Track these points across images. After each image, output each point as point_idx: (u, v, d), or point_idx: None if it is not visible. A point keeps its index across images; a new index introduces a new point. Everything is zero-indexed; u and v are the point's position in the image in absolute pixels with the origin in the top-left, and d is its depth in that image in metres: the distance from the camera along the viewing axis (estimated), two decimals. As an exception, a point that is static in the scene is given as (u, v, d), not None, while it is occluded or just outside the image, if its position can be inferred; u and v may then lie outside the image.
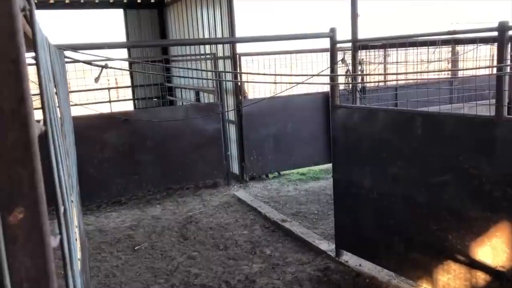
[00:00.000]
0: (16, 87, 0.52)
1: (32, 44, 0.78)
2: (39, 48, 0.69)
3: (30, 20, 0.69)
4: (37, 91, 0.77)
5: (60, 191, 0.76)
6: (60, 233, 0.69)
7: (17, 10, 0.51)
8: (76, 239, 1.56)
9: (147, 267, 5.05)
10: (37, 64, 0.67)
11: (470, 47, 5.39)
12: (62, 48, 3.57)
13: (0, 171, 0.51)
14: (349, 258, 4.81)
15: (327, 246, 5.18)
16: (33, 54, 0.77)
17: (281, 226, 5.88)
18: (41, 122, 0.68)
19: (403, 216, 4.06)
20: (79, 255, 1.78)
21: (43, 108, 0.69)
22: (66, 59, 4.22)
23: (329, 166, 7.60)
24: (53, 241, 0.60)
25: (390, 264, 4.31)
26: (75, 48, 3.88)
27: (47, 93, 0.74)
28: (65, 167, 1.09)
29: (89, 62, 3.70)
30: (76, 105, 6.89)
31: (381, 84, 8.46)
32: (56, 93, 1.58)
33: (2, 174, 0.51)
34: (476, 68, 4.46)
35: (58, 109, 1.43)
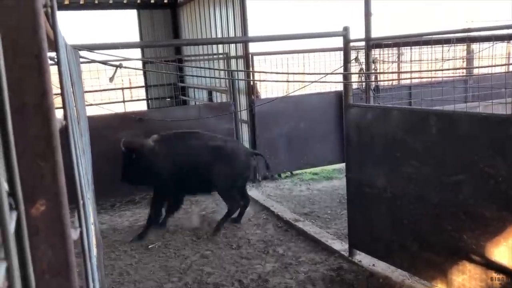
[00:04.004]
0: (39, 82, 0.53)
1: (51, 43, 0.79)
2: (60, 44, 0.70)
3: (51, 16, 0.70)
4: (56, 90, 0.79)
5: (80, 185, 0.78)
6: (80, 226, 0.70)
7: (39, 6, 0.52)
8: (92, 236, 1.58)
9: (160, 266, 5.08)
10: (58, 59, 0.68)
11: (485, 45, 5.32)
12: (77, 48, 3.61)
13: (23, 165, 0.52)
14: (363, 258, 4.78)
15: (340, 245, 5.16)
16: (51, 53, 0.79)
17: (293, 225, 5.87)
18: (61, 118, 0.69)
19: (417, 216, 4.02)
20: (95, 252, 1.80)
21: (63, 103, 0.70)
22: (81, 59, 4.28)
23: (342, 165, 7.56)
24: (74, 234, 0.61)
25: (404, 264, 4.28)
26: (90, 48, 3.92)
27: (66, 89, 0.75)
28: (83, 163, 1.11)
29: (104, 62, 3.74)
30: (91, 105, 6.96)
31: (395, 83, 8.40)
32: (72, 92, 1.60)
33: (25, 167, 0.53)
34: (491, 66, 4.40)
35: (75, 107, 1.46)
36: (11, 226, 0.44)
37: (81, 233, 0.68)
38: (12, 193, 0.48)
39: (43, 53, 0.53)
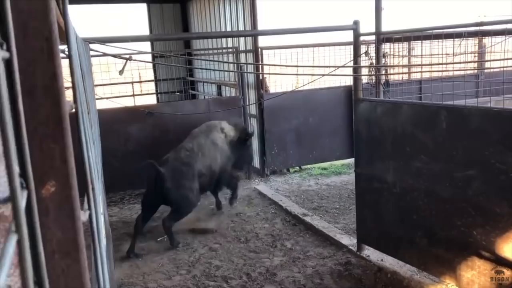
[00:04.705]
0: (49, 64, 0.54)
1: (61, 32, 0.80)
2: (70, 30, 0.71)
3: (62, 4, 0.71)
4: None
5: (89, 169, 0.79)
6: (89, 208, 0.71)
7: (50, -11, 0.53)
8: (101, 221, 1.60)
9: (169, 258, 5.12)
10: (68, 46, 0.69)
11: (497, 39, 5.26)
12: (87, 41, 3.64)
13: (33, 146, 0.53)
14: (371, 253, 4.78)
15: (348, 240, 5.15)
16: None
17: (302, 220, 5.88)
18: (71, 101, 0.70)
19: (427, 211, 4.00)
20: (104, 241, 1.81)
21: (73, 87, 0.71)
22: (91, 52, 4.30)
23: (351, 160, 7.54)
24: (83, 216, 0.62)
25: (413, 259, 4.26)
26: (100, 41, 3.94)
27: (76, 74, 0.76)
28: (93, 152, 1.12)
29: (113, 55, 3.76)
30: (101, 98, 7.00)
31: (405, 77, 8.34)
32: (82, 83, 1.61)
33: (35, 148, 0.53)
34: (503, 60, 4.34)
35: (85, 96, 1.47)
36: (22, 203, 0.44)
37: (90, 215, 0.69)
38: (22, 173, 0.49)
39: (54, 36, 0.54)
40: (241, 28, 8.15)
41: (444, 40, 4.88)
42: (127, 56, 3.93)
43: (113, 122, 6.67)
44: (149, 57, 10.78)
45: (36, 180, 0.55)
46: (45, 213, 0.56)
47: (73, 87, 0.70)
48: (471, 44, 8.06)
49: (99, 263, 0.73)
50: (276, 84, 8.47)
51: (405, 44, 6.91)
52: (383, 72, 5.04)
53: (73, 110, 0.72)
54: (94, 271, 0.72)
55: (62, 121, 0.55)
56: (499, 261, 3.45)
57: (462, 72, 6.86)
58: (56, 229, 0.57)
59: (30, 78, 0.53)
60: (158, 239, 5.63)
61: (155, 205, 5.63)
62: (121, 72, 4.03)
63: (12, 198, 0.42)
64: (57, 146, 0.55)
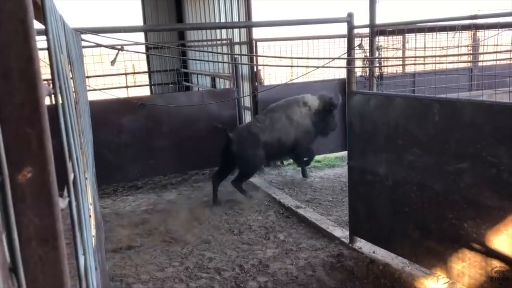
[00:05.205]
0: (24, 47, 0.53)
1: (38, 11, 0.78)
2: (47, 11, 0.69)
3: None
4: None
5: (70, 157, 0.77)
6: (69, 196, 0.70)
7: (24, -31, 0.52)
8: (90, 216, 1.59)
9: (162, 250, 5.12)
10: (46, 26, 0.67)
11: (491, 33, 5.26)
12: (79, 31, 3.60)
13: (9, 130, 0.52)
14: (363, 245, 4.80)
15: (341, 232, 5.18)
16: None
17: (295, 212, 5.89)
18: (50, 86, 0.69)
19: (419, 204, 4.02)
20: (93, 232, 1.80)
21: (52, 73, 0.69)
22: (83, 43, 4.26)
23: (344, 153, 7.55)
24: (62, 203, 0.61)
25: (404, 251, 4.29)
26: (92, 31, 3.90)
27: (55, 56, 0.74)
28: (77, 141, 1.11)
29: (105, 46, 3.73)
30: (94, 90, 6.95)
31: (398, 70, 8.34)
32: (71, 71, 1.59)
33: (11, 133, 0.52)
34: (495, 52, 4.35)
35: (72, 83, 1.45)
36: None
37: (69, 202, 0.68)
38: (-4, 158, 0.47)
39: (29, 18, 0.53)
40: (236, 19, 8.11)
41: (438, 33, 4.87)
42: (119, 47, 3.89)
43: (106, 113, 6.63)
44: (142, 48, 10.71)
45: (12, 165, 0.54)
46: (21, 199, 0.55)
47: (51, 70, 0.69)
48: (465, 37, 8.07)
49: (79, 252, 0.72)
50: (271, 77, 8.45)
51: (399, 37, 6.90)
52: (377, 65, 5.02)
53: (51, 92, 0.70)
54: (75, 260, 0.72)
55: (38, 105, 0.54)
56: (489, 253, 3.48)
57: (455, 66, 6.87)
58: (33, 216, 0.56)
59: (5, 61, 0.52)
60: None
61: (226, 166, 6.55)
62: (113, 62, 4.00)
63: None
64: (33, 131, 0.54)
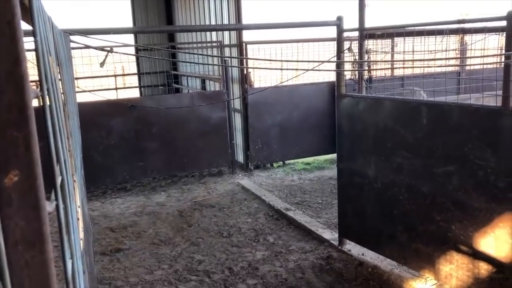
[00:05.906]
0: (11, 48, 0.52)
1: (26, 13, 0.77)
2: (35, 12, 0.69)
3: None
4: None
5: (58, 160, 0.77)
6: (56, 199, 0.69)
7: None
8: (78, 219, 1.57)
9: (151, 253, 5.09)
10: (33, 27, 0.67)
11: (478, 37, 5.33)
12: (68, 32, 3.57)
13: (-5, 133, 0.52)
14: (352, 247, 4.82)
15: (330, 235, 5.19)
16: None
17: (284, 214, 5.90)
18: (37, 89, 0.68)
19: (407, 206, 4.05)
20: (81, 235, 1.79)
21: (39, 74, 0.69)
22: (72, 44, 4.23)
23: (334, 156, 7.59)
24: (49, 206, 0.61)
25: (393, 253, 4.31)
26: (81, 32, 3.88)
27: (43, 58, 0.74)
28: (65, 144, 1.10)
29: (94, 47, 3.71)
30: (83, 91, 6.90)
31: (387, 73, 8.41)
32: (59, 73, 1.58)
33: (-3, 136, 0.52)
34: (483, 57, 4.40)
35: (60, 84, 1.44)
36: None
37: (57, 206, 0.67)
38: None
39: (16, 19, 0.52)
40: (226, 21, 8.11)
41: (426, 37, 4.92)
42: (108, 48, 3.87)
43: (95, 115, 6.59)
44: (132, 50, 10.66)
45: (-1, 169, 0.53)
46: (8, 203, 0.55)
47: (39, 72, 0.68)
48: (453, 41, 8.16)
49: (67, 256, 0.72)
50: (261, 79, 8.47)
51: (388, 41, 6.96)
52: (366, 68, 5.06)
53: (39, 94, 0.70)
54: (63, 263, 0.71)
55: (25, 108, 0.53)
56: (476, 255, 3.52)
57: (443, 69, 6.95)
58: (19, 219, 0.55)
59: (-9, 63, 0.52)
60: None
61: None
62: (102, 64, 3.97)
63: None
64: (20, 134, 0.54)
